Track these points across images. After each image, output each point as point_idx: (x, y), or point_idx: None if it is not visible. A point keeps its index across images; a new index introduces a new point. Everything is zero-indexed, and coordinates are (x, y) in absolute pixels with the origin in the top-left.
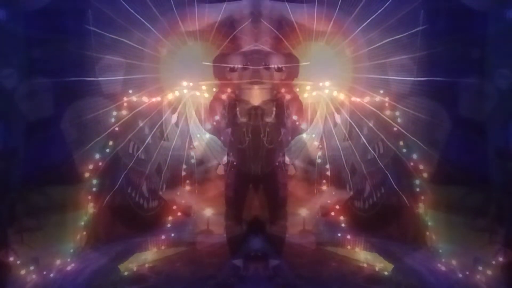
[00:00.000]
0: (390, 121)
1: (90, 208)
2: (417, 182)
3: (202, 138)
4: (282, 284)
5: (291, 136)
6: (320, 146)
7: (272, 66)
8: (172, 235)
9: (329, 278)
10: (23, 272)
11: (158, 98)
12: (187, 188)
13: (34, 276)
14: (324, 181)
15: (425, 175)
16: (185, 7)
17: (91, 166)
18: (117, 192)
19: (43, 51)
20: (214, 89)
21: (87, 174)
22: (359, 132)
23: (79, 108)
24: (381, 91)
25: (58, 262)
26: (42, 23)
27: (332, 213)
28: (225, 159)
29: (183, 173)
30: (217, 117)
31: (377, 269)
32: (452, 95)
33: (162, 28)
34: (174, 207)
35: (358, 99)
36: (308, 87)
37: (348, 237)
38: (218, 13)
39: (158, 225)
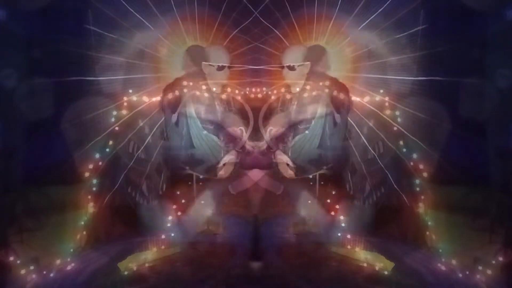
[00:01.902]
0: (390, 121)
1: (90, 208)
2: (417, 182)
3: (202, 138)
4: (282, 283)
5: (291, 135)
6: (320, 145)
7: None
8: (172, 235)
9: (329, 278)
10: (23, 271)
11: (158, 98)
12: (187, 188)
13: (34, 275)
14: (324, 181)
15: (425, 175)
16: (185, 7)
17: (91, 166)
18: (117, 192)
19: (43, 51)
20: (214, 89)
21: (87, 174)
22: (359, 132)
23: (79, 108)
24: (381, 91)
25: (58, 262)
26: (42, 23)
27: (332, 213)
28: (225, 158)
29: (183, 173)
30: (217, 117)
31: (377, 269)
32: (452, 95)
33: (162, 28)
34: (174, 207)
35: (358, 99)
36: (308, 87)
37: (348, 237)
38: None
39: (158, 225)
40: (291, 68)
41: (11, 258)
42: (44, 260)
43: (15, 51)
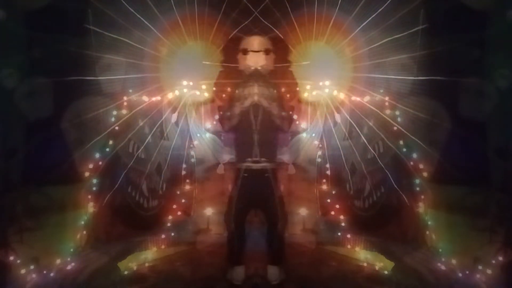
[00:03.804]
0: (390, 121)
1: (90, 207)
2: (417, 181)
3: (202, 138)
4: (282, 283)
5: (291, 135)
6: (320, 145)
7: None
8: (172, 234)
9: (329, 278)
10: (23, 271)
11: (158, 98)
12: (187, 187)
13: (34, 275)
14: (324, 180)
15: (425, 174)
16: (185, 7)
17: (91, 166)
18: (117, 191)
19: (43, 51)
20: (214, 89)
21: (87, 174)
22: (359, 132)
23: (79, 108)
24: (381, 91)
25: (58, 262)
26: (42, 23)
27: (332, 213)
28: (225, 158)
29: (183, 173)
30: (218, 116)
31: (377, 268)
32: (452, 95)
33: (162, 28)
34: (174, 206)
35: (358, 99)
36: (308, 87)
37: (348, 236)
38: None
39: (158, 225)
40: (267, 51)
41: (11, 258)
42: (44, 260)
43: (15, 51)
